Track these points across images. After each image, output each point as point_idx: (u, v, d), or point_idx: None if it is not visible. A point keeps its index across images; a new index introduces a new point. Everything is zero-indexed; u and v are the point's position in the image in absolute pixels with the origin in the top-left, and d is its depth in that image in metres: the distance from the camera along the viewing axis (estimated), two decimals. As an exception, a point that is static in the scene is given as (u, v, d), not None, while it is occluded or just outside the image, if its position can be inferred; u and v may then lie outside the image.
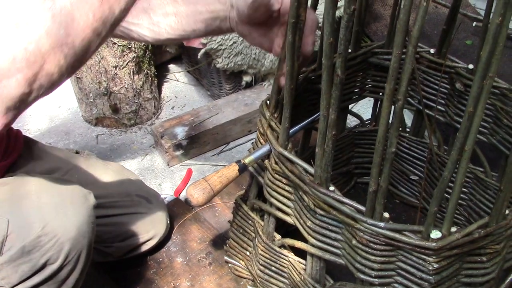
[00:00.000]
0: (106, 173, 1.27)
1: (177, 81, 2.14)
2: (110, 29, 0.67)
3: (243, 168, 0.95)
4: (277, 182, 0.94)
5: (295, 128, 1.02)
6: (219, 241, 1.31)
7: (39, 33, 0.60)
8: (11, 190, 0.92)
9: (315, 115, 1.05)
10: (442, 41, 1.09)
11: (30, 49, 0.60)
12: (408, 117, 1.33)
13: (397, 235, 0.77)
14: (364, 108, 1.93)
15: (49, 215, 0.87)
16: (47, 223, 0.86)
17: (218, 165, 1.72)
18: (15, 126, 1.06)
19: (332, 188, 0.83)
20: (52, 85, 0.65)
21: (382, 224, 0.77)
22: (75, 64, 0.65)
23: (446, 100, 1.15)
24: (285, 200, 0.95)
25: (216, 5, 1.01)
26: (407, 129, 1.30)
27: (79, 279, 0.95)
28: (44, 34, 0.60)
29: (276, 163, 0.92)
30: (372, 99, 1.32)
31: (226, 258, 1.24)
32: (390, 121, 0.69)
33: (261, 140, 0.97)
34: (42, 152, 1.20)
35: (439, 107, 1.17)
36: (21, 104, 0.64)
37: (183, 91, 2.09)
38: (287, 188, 0.93)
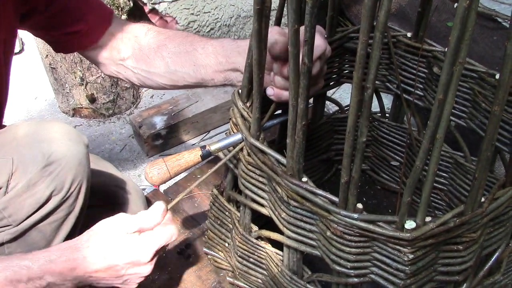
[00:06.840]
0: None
1: (157, 69, 2.10)
2: None
3: (206, 155, 0.91)
4: (251, 174, 0.92)
5: (272, 122, 0.99)
6: (198, 233, 1.29)
7: None
8: (10, 135, 0.97)
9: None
10: (419, 24, 1.06)
11: None
12: (389, 101, 1.31)
13: (371, 226, 0.75)
14: (346, 93, 1.91)
15: (52, 146, 0.92)
16: (52, 153, 0.91)
17: (198, 154, 1.70)
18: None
19: (305, 179, 0.81)
20: None
21: (355, 215, 0.75)
22: None
23: (424, 85, 1.13)
24: (259, 192, 0.92)
25: (237, 58, 1.01)
26: (387, 114, 1.28)
27: (78, 219, 0.99)
28: None
29: (249, 154, 0.89)
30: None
31: (205, 249, 1.21)
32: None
33: (234, 131, 0.95)
34: None
35: (418, 92, 1.14)
36: None
37: (162, 79, 2.06)
38: (261, 179, 0.90)
